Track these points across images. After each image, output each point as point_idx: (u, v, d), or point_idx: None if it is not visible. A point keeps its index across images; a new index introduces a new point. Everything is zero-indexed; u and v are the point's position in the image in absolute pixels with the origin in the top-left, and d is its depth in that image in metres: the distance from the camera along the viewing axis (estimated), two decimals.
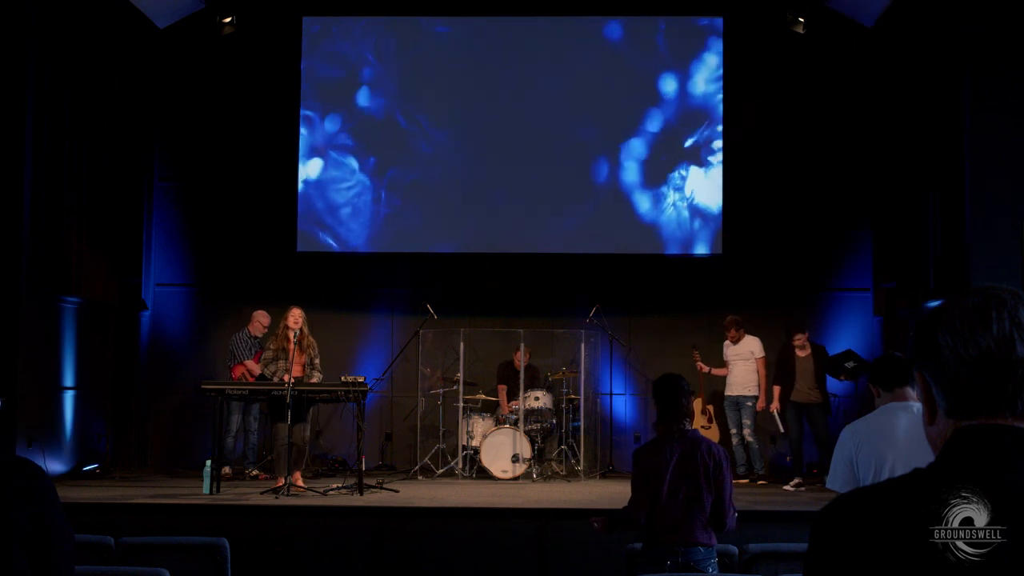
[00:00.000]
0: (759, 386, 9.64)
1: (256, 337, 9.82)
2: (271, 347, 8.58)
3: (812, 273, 10.83)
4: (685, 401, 4.42)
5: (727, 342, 9.79)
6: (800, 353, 9.30)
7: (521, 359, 9.94)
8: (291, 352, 8.29)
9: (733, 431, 9.71)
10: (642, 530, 4.40)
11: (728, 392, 9.74)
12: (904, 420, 3.61)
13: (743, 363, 9.68)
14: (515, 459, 9.31)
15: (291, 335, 8.36)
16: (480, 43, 11.21)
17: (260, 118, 11.05)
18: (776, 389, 9.44)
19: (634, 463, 4.51)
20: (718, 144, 10.89)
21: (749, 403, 9.62)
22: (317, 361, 8.60)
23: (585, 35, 11.14)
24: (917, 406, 3.62)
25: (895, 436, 3.59)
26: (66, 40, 9.27)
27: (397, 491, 8.24)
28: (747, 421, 9.60)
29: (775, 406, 9.45)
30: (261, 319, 9.85)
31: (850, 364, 9.40)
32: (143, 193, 10.84)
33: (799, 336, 9.33)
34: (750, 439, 9.60)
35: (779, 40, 10.79)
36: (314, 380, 8.47)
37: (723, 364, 9.86)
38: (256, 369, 9.60)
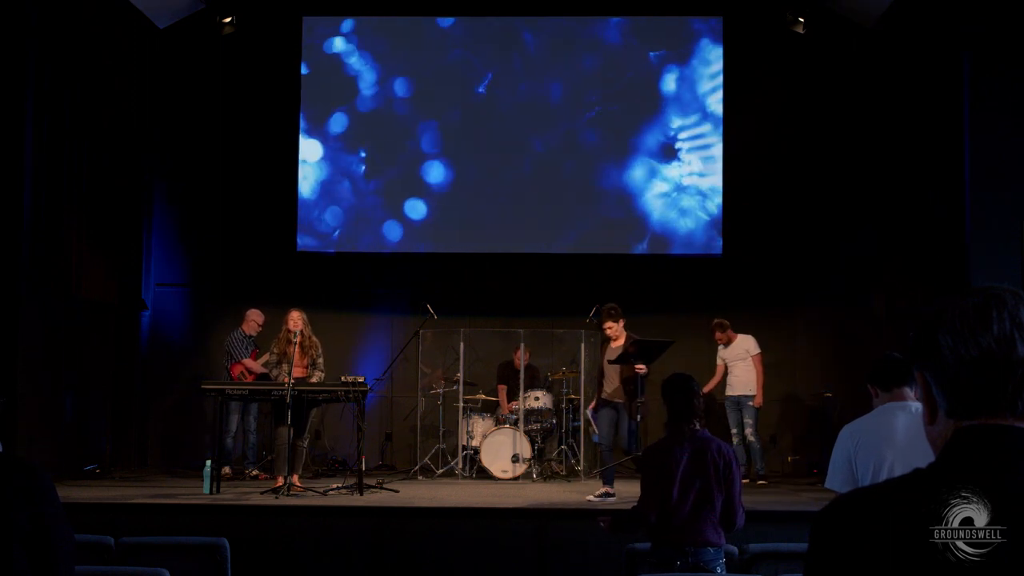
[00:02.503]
0: (757, 384, 9.64)
1: (251, 336, 9.83)
2: (275, 351, 8.59)
3: (812, 273, 10.82)
4: (696, 401, 4.42)
5: (719, 346, 9.79)
6: (612, 344, 8.17)
7: (521, 359, 9.94)
8: (292, 355, 8.29)
9: (733, 431, 9.71)
10: (651, 530, 4.40)
11: (729, 392, 9.73)
12: (903, 420, 3.61)
13: (740, 363, 9.67)
14: (515, 459, 9.31)
15: (291, 337, 8.36)
16: (481, 42, 11.22)
17: (260, 118, 11.05)
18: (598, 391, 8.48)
19: (644, 463, 4.50)
20: (718, 144, 10.88)
21: (750, 402, 9.62)
22: (320, 361, 8.60)
23: (586, 35, 11.15)
24: (916, 406, 3.62)
25: (894, 436, 3.59)
26: (66, 40, 9.27)
27: (397, 491, 8.24)
28: (749, 421, 9.59)
29: (591, 406, 8.60)
30: (255, 318, 9.86)
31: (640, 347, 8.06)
32: (143, 193, 10.84)
33: (611, 325, 8.13)
34: (752, 439, 9.59)
35: (779, 40, 10.79)
36: (314, 380, 8.47)
37: (714, 373, 9.85)
38: (254, 367, 9.61)
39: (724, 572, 4.34)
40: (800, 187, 10.81)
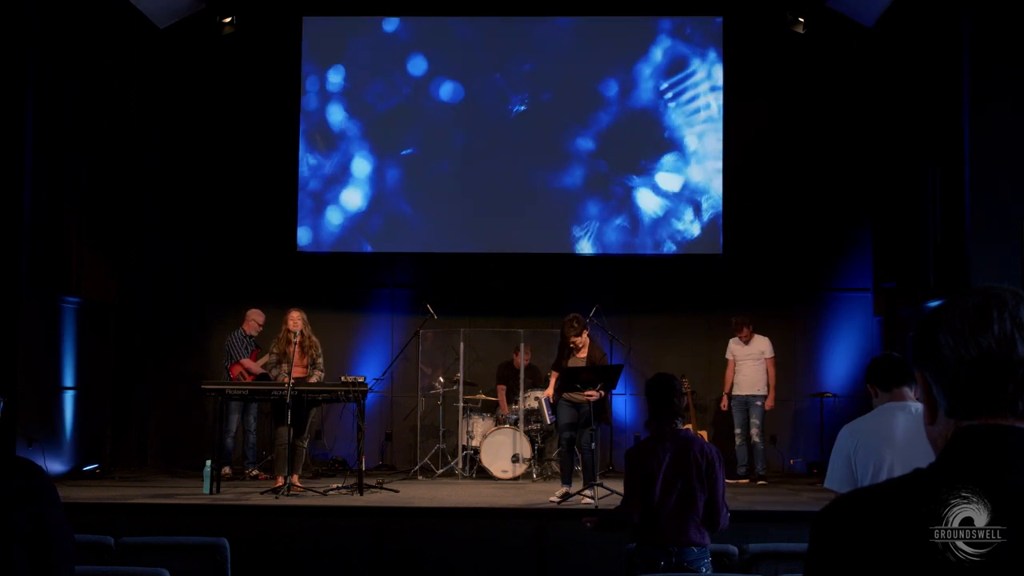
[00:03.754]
0: (768, 385, 9.65)
1: (251, 336, 9.83)
2: (274, 351, 8.58)
3: (812, 273, 10.83)
4: (677, 400, 4.42)
5: (737, 341, 9.74)
6: (578, 355, 8.10)
7: (521, 359, 9.94)
8: (292, 355, 8.29)
9: (737, 431, 9.70)
10: (635, 530, 4.40)
11: (736, 392, 9.72)
12: (902, 420, 3.61)
13: (753, 363, 9.66)
14: (515, 459, 9.32)
15: (291, 337, 8.36)
16: (481, 41, 11.21)
17: (260, 118, 11.04)
18: (553, 376, 8.32)
19: (627, 463, 4.51)
20: (718, 144, 10.88)
21: (759, 403, 9.61)
22: (320, 361, 8.59)
23: (584, 35, 11.14)
24: (915, 406, 3.62)
25: (893, 436, 3.58)
26: (66, 40, 9.28)
27: (397, 491, 8.24)
28: (755, 421, 9.59)
29: (548, 392, 8.42)
30: (256, 317, 9.86)
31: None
32: (143, 193, 10.84)
33: (575, 341, 8.05)
34: (756, 439, 9.59)
35: (779, 40, 10.79)
36: (313, 379, 8.46)
37: (725, 370, 9.85)
38: (254, 367, 9.61)
39: (710, 572, 4.34)
40: (800, 187, 10.81)
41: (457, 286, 10.93)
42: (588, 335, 8.17)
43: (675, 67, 11.00)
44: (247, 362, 9.66)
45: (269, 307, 9.86)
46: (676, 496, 4.29)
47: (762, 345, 9.70)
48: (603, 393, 7.79)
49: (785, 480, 9.88)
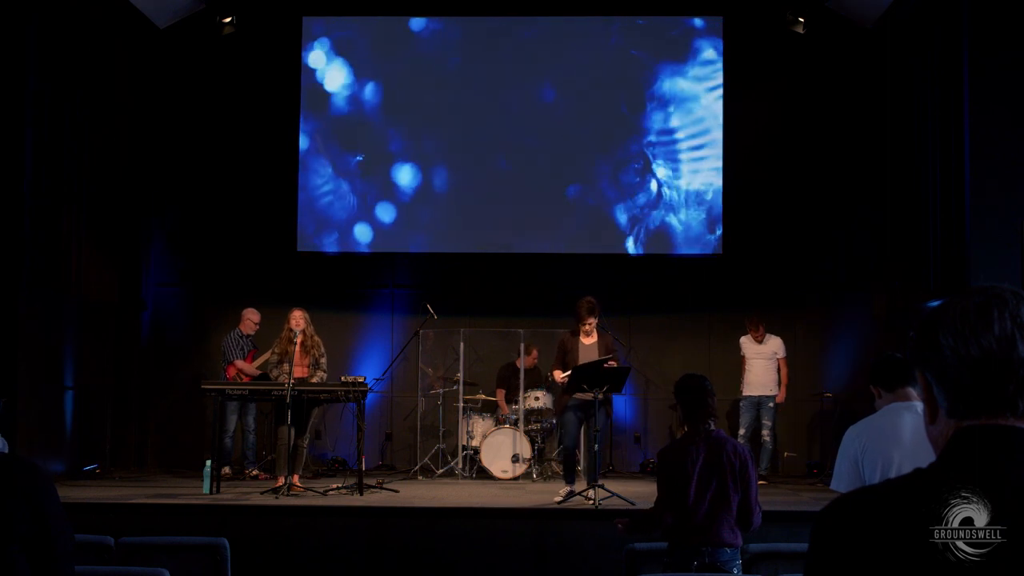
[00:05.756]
0: (780, 384, 9.65)
1: (248, 336, 9.83)
2: (276, 351, 8.58)
3: (812, 273, 10.83)
4: (711, 400, 4.41)
5: (749, 340, 9.74)
6: (585, 340, 7.93)
7: (522, 361, 9.93)
8: (293, 354, 8.28)
9: (742, 431, 9.68)
10: (668, 531, 4.40)
11: (747, 392, 9.70)
12: (909, 420, 3.59)
13: (764, 362, 9.66)
14: (515, 459, 9.31)
15: (292, 337, 8.35)
16: (481, 42, 11.21)
17: (260, 118, 11.05)
18: (556, 373, 8.10)
19: (659, 464, 4.50)
20: (718, 144, 10.88)
21: (771, 404, 9.61)
22: (323, 361, 8.58)
23: (584, 35, 11.14)
24: (921, 406, 3.60)
25: (901, 436, 3.56)
26: (66, 40, 9.28)
27: (397, 491, 8.24)
28: (767, 422, 9.59)
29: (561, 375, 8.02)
30: (251, 316, 9.86)
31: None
32: (143, 193, 10.84)
33: (592, 321, 7.89)
34: (767, 439, 9.59)
35: (779, 40, 10.79)
36: (315, 379, 8.45)
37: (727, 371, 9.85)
38: (248, 368, 9.61)
39: (740, 573, 4.34)
40: (800, 187, 10.81)
41: (457, 286, 10.93)
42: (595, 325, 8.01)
43: (674, 67, 11.00)
44: (241, 363, 9.66)
45: (269, 307, 9.87)
46: (710, 497, 4.28)
47: (774, 345, 9.71)
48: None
49: (785, 480, 9.88)
